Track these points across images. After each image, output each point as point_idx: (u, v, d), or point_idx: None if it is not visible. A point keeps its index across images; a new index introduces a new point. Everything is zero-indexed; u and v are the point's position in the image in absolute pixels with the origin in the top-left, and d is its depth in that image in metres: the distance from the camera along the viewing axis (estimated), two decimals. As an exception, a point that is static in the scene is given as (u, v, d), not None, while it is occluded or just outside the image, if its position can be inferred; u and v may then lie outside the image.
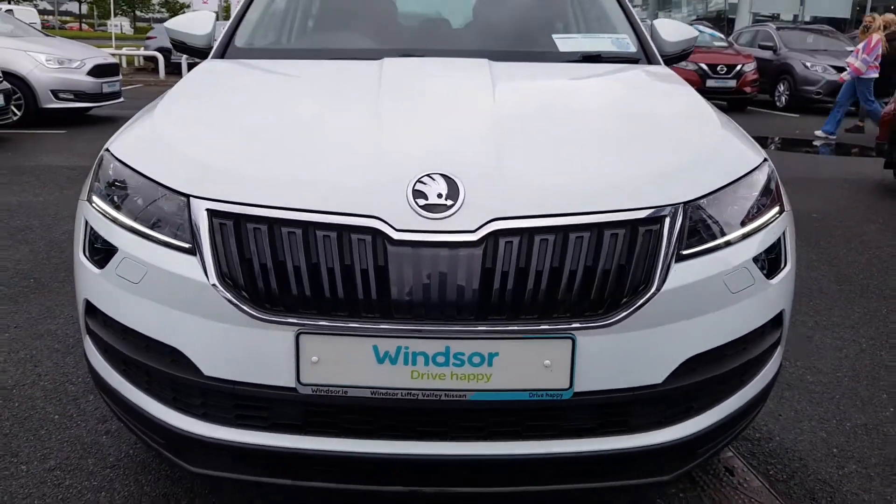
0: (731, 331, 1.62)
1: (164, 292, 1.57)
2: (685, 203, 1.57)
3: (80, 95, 9.82)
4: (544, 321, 1.46)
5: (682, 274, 1.53)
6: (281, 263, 1.47)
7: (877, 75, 10.49)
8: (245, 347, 1.50)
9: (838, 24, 25.41)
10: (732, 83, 14.16)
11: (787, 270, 1.80)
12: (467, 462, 1.54)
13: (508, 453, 1.53)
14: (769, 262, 1.75)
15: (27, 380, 2.72)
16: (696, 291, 1.55)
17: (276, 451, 1.54)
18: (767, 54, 15.57)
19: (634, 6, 29.45)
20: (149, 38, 26.10)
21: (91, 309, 1.78)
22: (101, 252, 1.74)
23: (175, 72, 19.85)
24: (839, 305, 3.65)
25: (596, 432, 1.56)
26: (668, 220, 1.53)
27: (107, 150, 1.91)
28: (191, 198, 1.57)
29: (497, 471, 1.56)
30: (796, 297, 3.62)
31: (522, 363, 1.46)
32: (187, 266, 1.53)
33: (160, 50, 21.32)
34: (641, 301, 1.48)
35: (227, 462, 1.60)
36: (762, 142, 10.17)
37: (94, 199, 1.82)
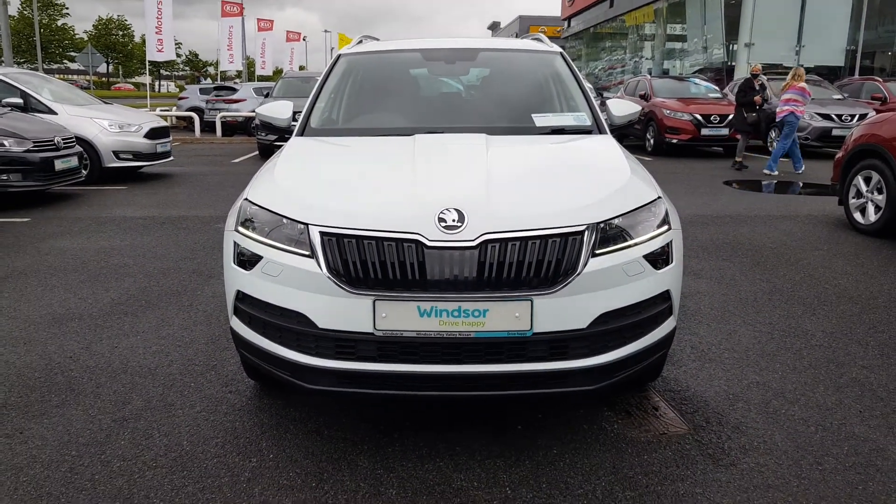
0: (629, 298, 2.70)
1: (294, 280, 2.67)
2: (597, 223, 2.67)
3: (137, 156, 11.19)
4: (514, 291, 2.55)
5: (595, 264, 2.62)
6: (363, 261, 2.58)
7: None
8: (343, 309, 2.60)
9: (834, 72, 26.72)
10: (725, 131, 15.34)
11: (672, 265, 2.88)
12: (472, 375, 2.61)
13: (496, 370, 2.61)
14: (660, 259, 2.84)
15: (163, 363, 3.83)
16: (604, 274, 2.64)
17: (360, 372, 2.63)
18: (760, 103, 16.76)
19: (644, 58, 30.66)
20: (181, 98, 27.87)
21: (240, 296, 2.90)
22: (246, 261, 2.86)
23: (209, 129, 21.43)
24: (765, 310, 4.71)
25: (548, 358, 2.63)
26: (586, 232, 2.63)
27: (246, 198, 3.02)
28: (309, 225, 2.69)
29: (490, 380, 2.63)
30: (732, 304, 4.67)
31: (503, 315, 2.55)
32: (309, 264, 2.64)
33: (193, 110, 22.91)
34: (571, 279, 2.57)
35: (331, 380, 2.68)
36: (752, 185, 11.26)
37: (240, 228, 2.93)
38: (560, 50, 4.53)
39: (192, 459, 2.85)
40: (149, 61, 26.53)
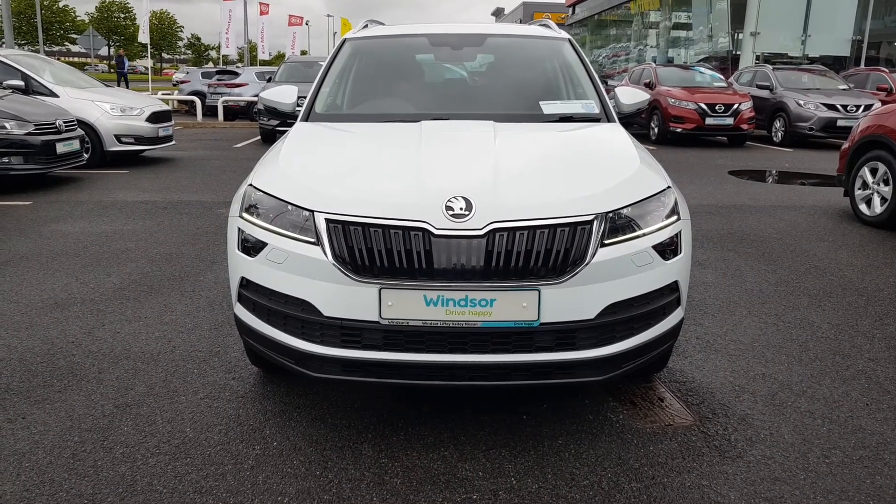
0: (637, 289, 2.68)
1: (299, 268, 2.64)
2: (606, 212, 2.64)
3: (139, 139, 11.12)
4: (522, 281, 2.52)
5: (604, 254, 2.59)
6: (370, 249, 2.55)
7: None
8: (348, 298, 2.57)
9: (839, 62, 26.57)
10: (730, 121, 15.26)
11: (680, 256, 2.85)
12: (479, 365, 2.59)
13: (502, 360, 2.58)
14: (669, 250, 2.81)
15: (166, 349, 3.81)
16: (612, 265, 2.61)
17: (365, 360, 2.61)
18: (765, 93, 16.70)
19: (648, 46, 30.48)
20: (182, 82, 27.79)
21: (244, 283, 2.87)
22: (251, 247, 2.83)
23: (210, 114, 21.36)
24: (771, 301, 4.68)
25: (555, 348, 2.60)
26: (595, 222, 2.60)
27: (250, 184, 2.99)
28: (314, 212, 2.66)
29: (496, 370, 2.61)
30: (738, 295, 4.65)
31: (510, 305, 2.53)
32: (314, 252, 2.61)
33: (195, 94, 22.82)
34: (579, 269, 2.54)
35: (336, 369, 2.66)
36: (758, 175, 11.19)
37: (245, 215, 2.90)
38: (568, 37, 4.48)
39: (195, 446, 2.83)
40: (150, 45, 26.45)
